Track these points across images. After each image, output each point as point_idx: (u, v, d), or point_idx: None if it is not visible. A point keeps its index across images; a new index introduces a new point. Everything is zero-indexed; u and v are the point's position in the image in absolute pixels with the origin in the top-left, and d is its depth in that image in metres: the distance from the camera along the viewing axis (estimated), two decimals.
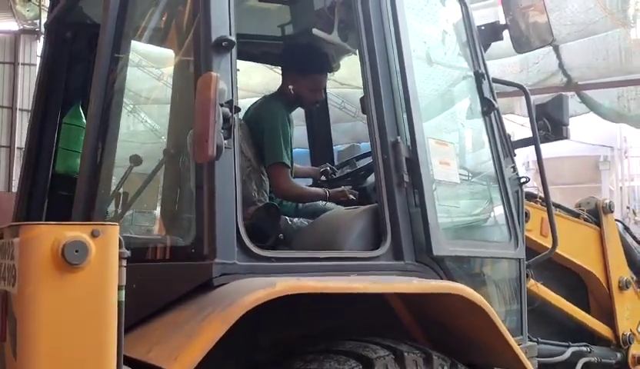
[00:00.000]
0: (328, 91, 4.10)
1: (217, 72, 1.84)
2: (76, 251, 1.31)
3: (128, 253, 1.46)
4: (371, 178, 3.41)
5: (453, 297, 2.04)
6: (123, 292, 1.43)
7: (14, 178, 16.51)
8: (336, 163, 4.06)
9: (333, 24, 2.54)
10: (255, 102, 3.21)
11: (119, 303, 1.42)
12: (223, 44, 1.95)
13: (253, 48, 3.61)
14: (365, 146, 4.23)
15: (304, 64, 3.07)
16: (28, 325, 1.28)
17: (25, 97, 16.88)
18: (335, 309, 2.03)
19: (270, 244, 2.48)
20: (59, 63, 2.98)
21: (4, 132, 16.66)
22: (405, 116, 2.35)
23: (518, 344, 2.31)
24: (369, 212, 2.38)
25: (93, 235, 1.35)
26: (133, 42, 2.57)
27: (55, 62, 2.98)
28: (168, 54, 3.60)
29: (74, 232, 1.33)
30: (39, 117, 2.96)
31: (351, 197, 2.97)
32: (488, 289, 2.65)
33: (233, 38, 1.97)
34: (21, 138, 16.75)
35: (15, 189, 16.16)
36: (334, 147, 4.28)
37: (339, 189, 3.05)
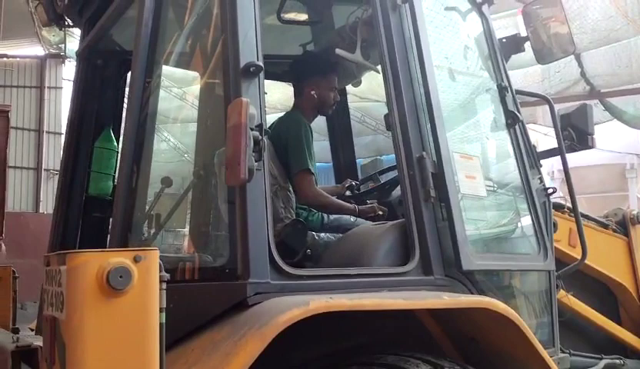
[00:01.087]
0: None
1: (246, 97, 1.89)
2: (120, 277, 1.36)
3: (167, 276, 1.50)
4: (395, 192, 3.43)
5: (484, 311, 2.05)
6: (164, 314, 1.48)
7: (41, 199, 16.86)
8: (360, 177, 4.09)
9: (356, 44, 2.59)
10: (275, 121, 3.28)
11: (160, 325, 1.46)
12: (251, 69, 2.00)
13: (274, 68, 3.67)
14: (388, 159, 4.26)
15: (323, 65, 3.14)
16: (77, 350, 1.33)
17: (52, 119, 17.29)
18: (365, 325, 2.05)
19: (298, 259, 2.53)
20: (91, 89, 3.08)
21: (32, 154, 17.04)
22: (429, 131, 2.38)
23: (551, 356, 2.29)
24: (397, 227, 2.40)
25: (135, 261, 1.40)
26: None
27: (87, 88, 3.08)
28: (190, 74, 3.69)
29: (117, 258, 1.38)
30: (73, 142, 3.06)
31: (380, 212, 3.00)
32: (519, 302, 2.64)
33: (261, 63, 2.03)
34: (47, 160, 17.12)
35: (42, 210, 16.51)
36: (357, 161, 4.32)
37: (369, 205, 3.07)
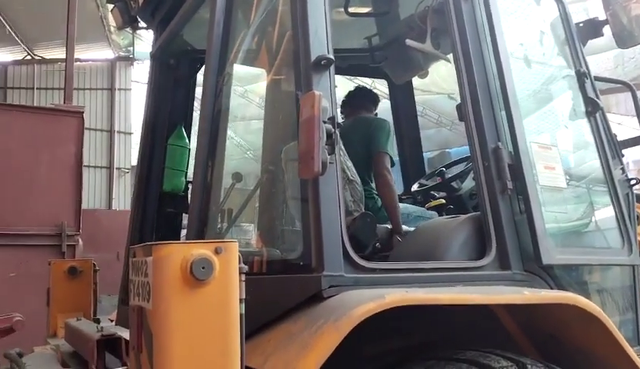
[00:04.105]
0: None
1: (317, 90, 1.89)
2: (202, 268, 1.39)
3: (246, 268, 1.53)
4: (466, 184, 3.36)
5: (565, 307, 1.96)
6: (243, 305, 1.50)
7: (114, 197, 17.64)
8: (427, 170, 4.03)
9: (426, 34, 2.55)
10: (350, 118, 3.32)
11: (240, 315, 1.48)
12: (322, 62, 2.00)
13: (340, 62, 3.68)
14: (455, 152, 4.16)
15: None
16: (164, 338, 1.37)
17: (122, 120, 18.04)
18: (436, 320, 2.01)
19: (368, 253, 2.52)
20: (164, 88, 3.18)
21: (104, 154, 17.84)
22: (504, 121, 2.31)
23: (637, 355, 2.18)
24: (471, 221, 2.34)
25: (216, 252, 1.43)
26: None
27: (161, 88, 3.18)
28: (252, 72, 3.74)
29: (200, 250, 1.41)
30: (148, 140, 3.16)
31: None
32: (601, 297, 2.53)
33: (331, 56, 2.02)
34: (119, 159, 17.89)
35: (114, 207, 17.28)
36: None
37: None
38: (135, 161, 17.15)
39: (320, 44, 2.04)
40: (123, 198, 17.65)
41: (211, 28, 2.34)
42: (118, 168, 17.87)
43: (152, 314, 1.40)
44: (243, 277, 1.51)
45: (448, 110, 13.09)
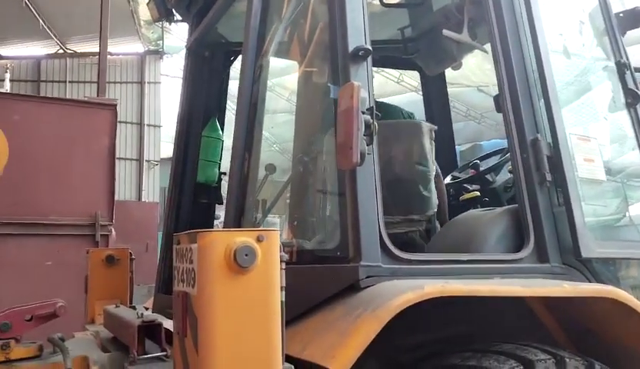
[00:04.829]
0: None
1: (356, 81, 1.89)
2: (246, 255, 1.42)
3: (287, 256, 1.55)
4: (500, 177, 3.33)
5: (605, 301, 1.94)
6: (284, 293, 1.52)
7: (143, 189, 17.90)
8: (459, 163, 4.00)
9: (462, 24, 2.53)
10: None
11: (281, 303, 1.50)
12: (360, 53, 2.00)
13: (373, 53, 3.66)
14: (487, 145, 4.11)
15: None
16: (208, 323, 1.40)
17: (151, 113, 18.26)
18: (470, 313, 2.00)
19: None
20: (199, 81, 3.22)
21: (134, 146, 18.07)
22: (543, 112, 2.28)
23: None
24: (508, 213, 2.32)
25: (259, 240, 1.45)
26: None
27: (196, 80, 3.22)
28: (281, 65, 3.75)
29: (243, 238, 1.43)
30: (184, 131, 3.21)
31: None
32: (637, 293, 2.48)
33: (369, 47, 2.02)
34: (148, 151, 18.12)
35: (144, 198, 17.52)
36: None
37: None
38: (164, 154, 17.36)
39: (358, 35, 2.04)
40: (152, 190, 17.91)
41: (248, 19, 2.36)
42: (148, 161, 18.09)
43: (197, 299, 1.43)
44: (284, 266, 1.53)
45: (477, 103, 12.93)
